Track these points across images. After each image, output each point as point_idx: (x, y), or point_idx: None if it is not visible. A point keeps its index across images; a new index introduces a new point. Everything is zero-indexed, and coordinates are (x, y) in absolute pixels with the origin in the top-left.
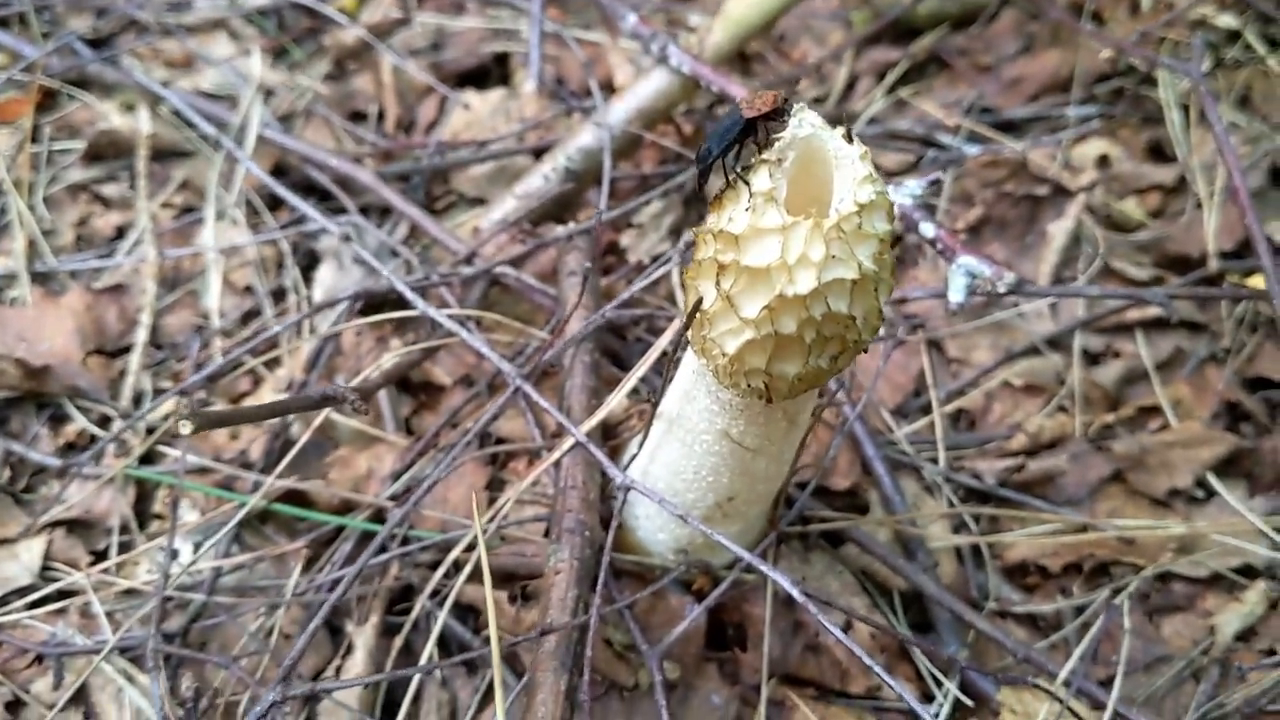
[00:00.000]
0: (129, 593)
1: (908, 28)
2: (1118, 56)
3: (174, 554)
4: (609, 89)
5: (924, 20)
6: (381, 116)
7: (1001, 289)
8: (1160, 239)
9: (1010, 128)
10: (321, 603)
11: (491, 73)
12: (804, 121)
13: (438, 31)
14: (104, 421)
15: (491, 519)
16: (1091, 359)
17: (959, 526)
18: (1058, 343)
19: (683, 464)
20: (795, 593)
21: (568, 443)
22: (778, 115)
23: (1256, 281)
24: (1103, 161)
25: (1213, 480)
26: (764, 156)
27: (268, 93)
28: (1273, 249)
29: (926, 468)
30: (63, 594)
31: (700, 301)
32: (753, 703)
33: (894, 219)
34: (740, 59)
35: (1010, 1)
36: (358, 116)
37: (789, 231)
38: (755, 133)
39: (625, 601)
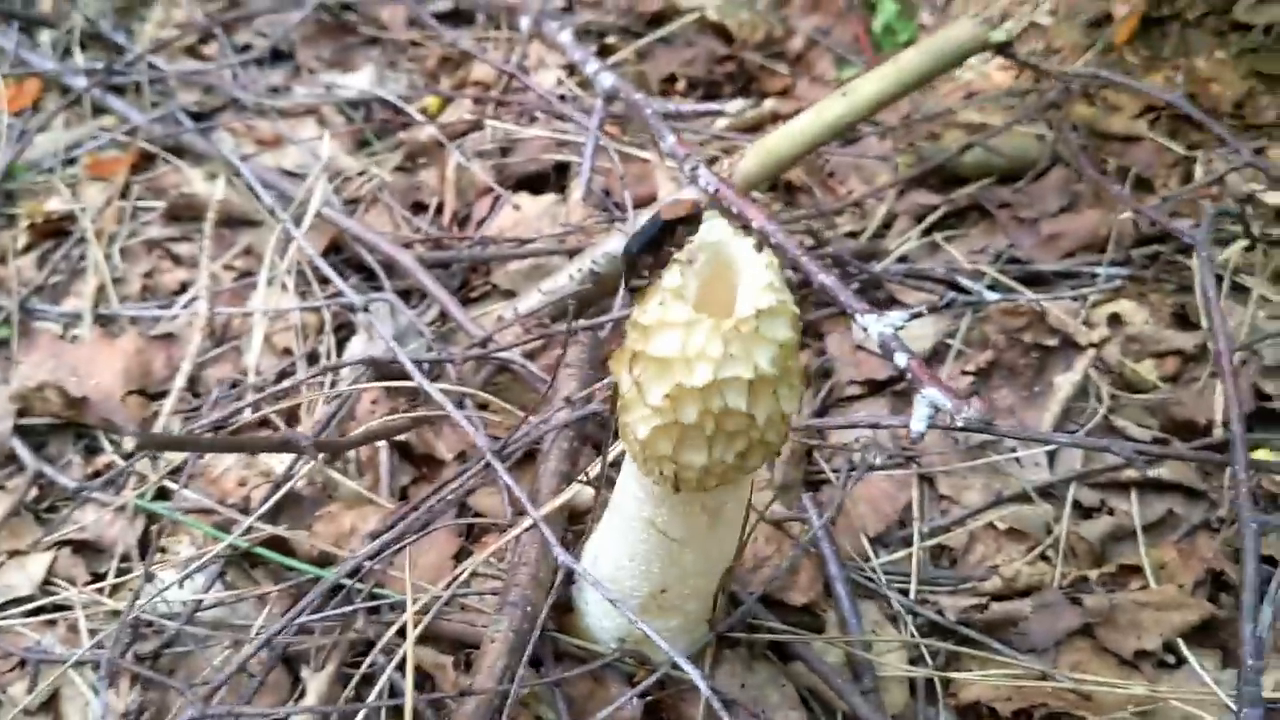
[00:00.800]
0: (115, 614)
1: (954, 176)
2: (1138, 219)
3: (150, 577)
4: (651, 203)
5: (970, 170)
6: (440, 209)
7: (960, 422)
8: (1170, 402)
9: (1039, 280)
10: (280, 644)
11: (550, 180)
12: (714, 228)
13: (506, 137)
14: (130, 456)
15: (448, 585)
16: (1083, 513)
17: (916, 660)
18: (1051, 493)
19: (620, 550)
20: (710, 695)
21: (525, 522)
22: (692, 220)
23: (1263, 454)
24: (1114, 319)
25: (1183, 647)
26: (676, 256)
27: (341, 176)
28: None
29: (893, 597)
30: (57, 608)
31: (618, 387)
32: None
33: (799, 328)
34: (787, 189)
35: (1060, 161)
36: (419, 207)
37: (691, 327)
38: (673, 234)
39: (552, 678)
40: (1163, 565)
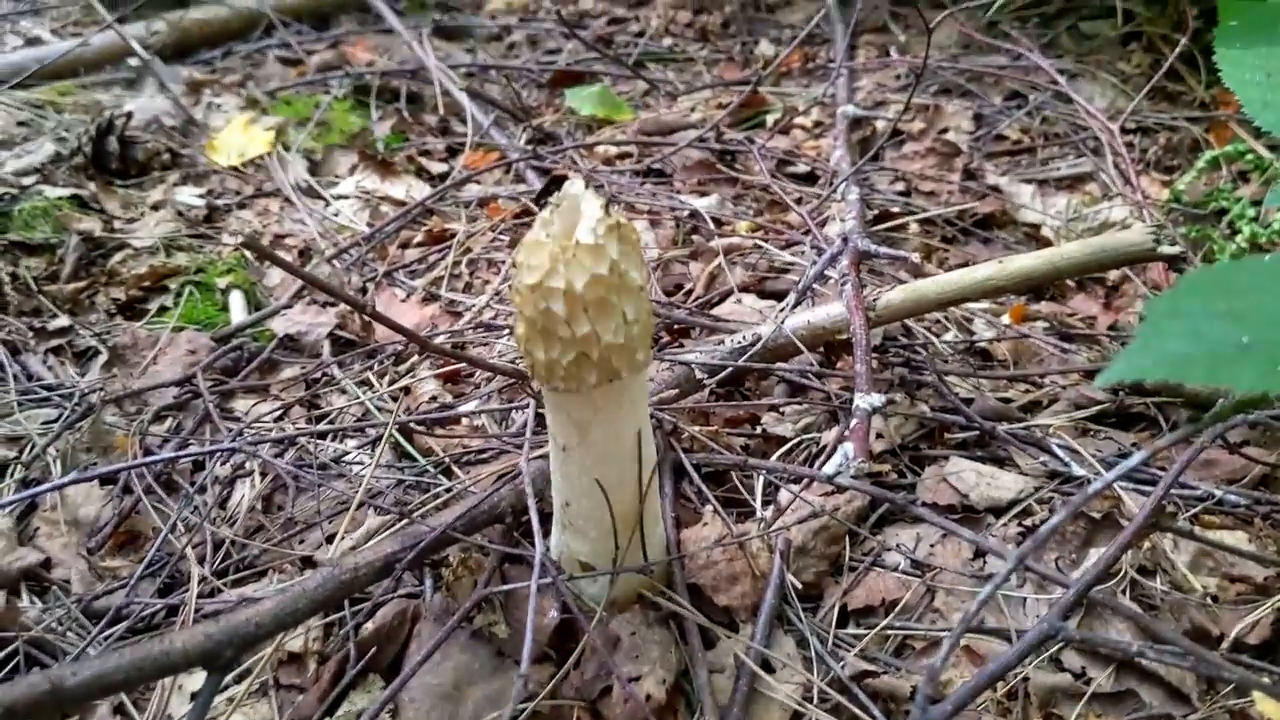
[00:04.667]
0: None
1: (1140, 386)
2: None
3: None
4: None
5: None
6: (690, 293)
7: (852, 470)
8: (1190, 605)
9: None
10: (392, 499)
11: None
12: (573, 184)
13: (774, 260)
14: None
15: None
16: (1056, 667)
17: (807, 700)
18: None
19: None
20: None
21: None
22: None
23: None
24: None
25: None
26: (551, 200)
27: None
28: None
29: (813, 641)
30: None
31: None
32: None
33: (616, 272)
34: (983, 355)
35: None
36: (678, 288)
37: (539, 245)
38: (557, 186)
39: (478, 541)
40: None
